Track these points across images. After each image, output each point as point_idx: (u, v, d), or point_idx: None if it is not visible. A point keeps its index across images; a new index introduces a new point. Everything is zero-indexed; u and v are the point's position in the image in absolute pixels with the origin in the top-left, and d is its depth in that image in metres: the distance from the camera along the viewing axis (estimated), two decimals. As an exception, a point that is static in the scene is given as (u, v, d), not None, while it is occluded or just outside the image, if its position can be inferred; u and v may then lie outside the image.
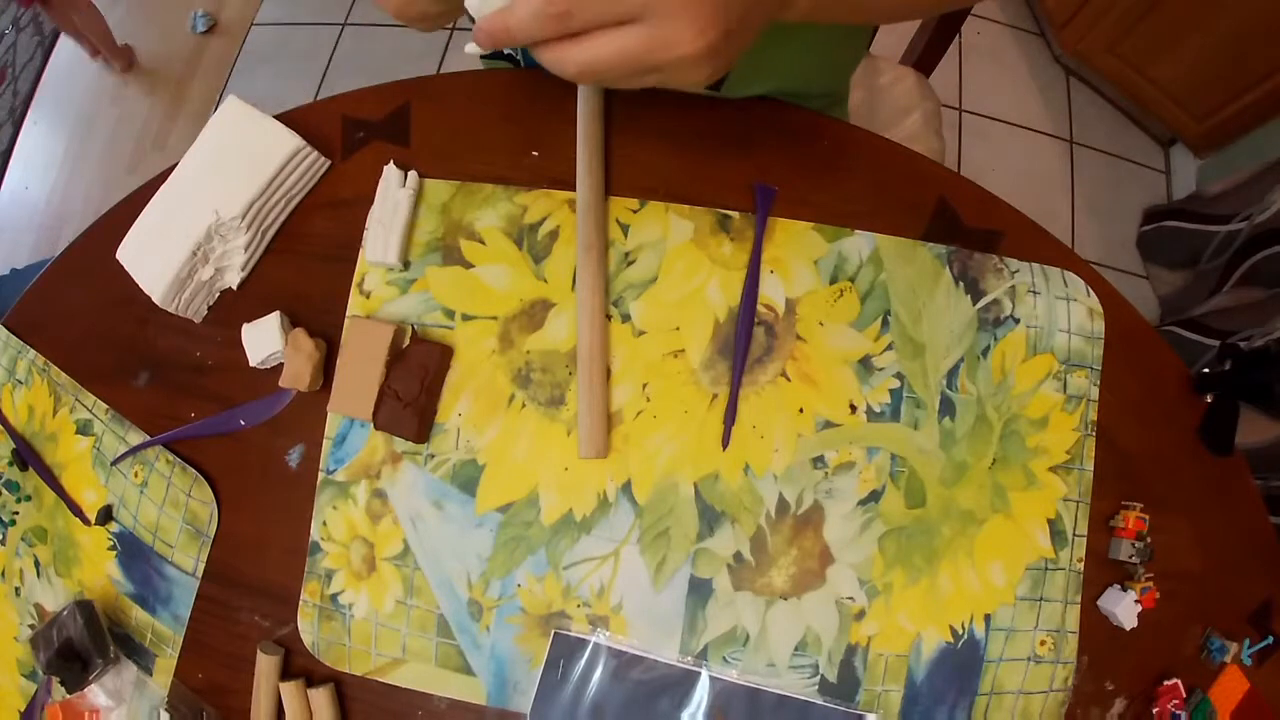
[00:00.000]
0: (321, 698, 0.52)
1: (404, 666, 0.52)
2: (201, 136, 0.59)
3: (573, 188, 0.56)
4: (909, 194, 0.56)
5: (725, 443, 0.52)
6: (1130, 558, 0.50)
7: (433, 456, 0.54)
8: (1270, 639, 0.52)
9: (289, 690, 0.52)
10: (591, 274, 0.53)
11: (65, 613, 0.54)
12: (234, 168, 0.57)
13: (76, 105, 1.83)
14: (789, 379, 0.53)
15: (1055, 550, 0.51)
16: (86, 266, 0.64)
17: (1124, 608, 0.50)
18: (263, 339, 0.56)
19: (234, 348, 0.57)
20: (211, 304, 0.60)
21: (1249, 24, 1.17)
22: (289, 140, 0.57)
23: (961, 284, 0.54)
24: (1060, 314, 0.54)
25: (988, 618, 0.51)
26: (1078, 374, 0.53)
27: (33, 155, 1.82)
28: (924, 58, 0.91)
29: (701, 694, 0.50)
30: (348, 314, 0.57)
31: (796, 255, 0.55)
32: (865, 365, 0.53)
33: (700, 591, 0.51)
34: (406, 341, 0.54)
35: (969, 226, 0.56)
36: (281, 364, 0.55)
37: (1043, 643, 0.51)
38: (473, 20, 0.33)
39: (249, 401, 0.57)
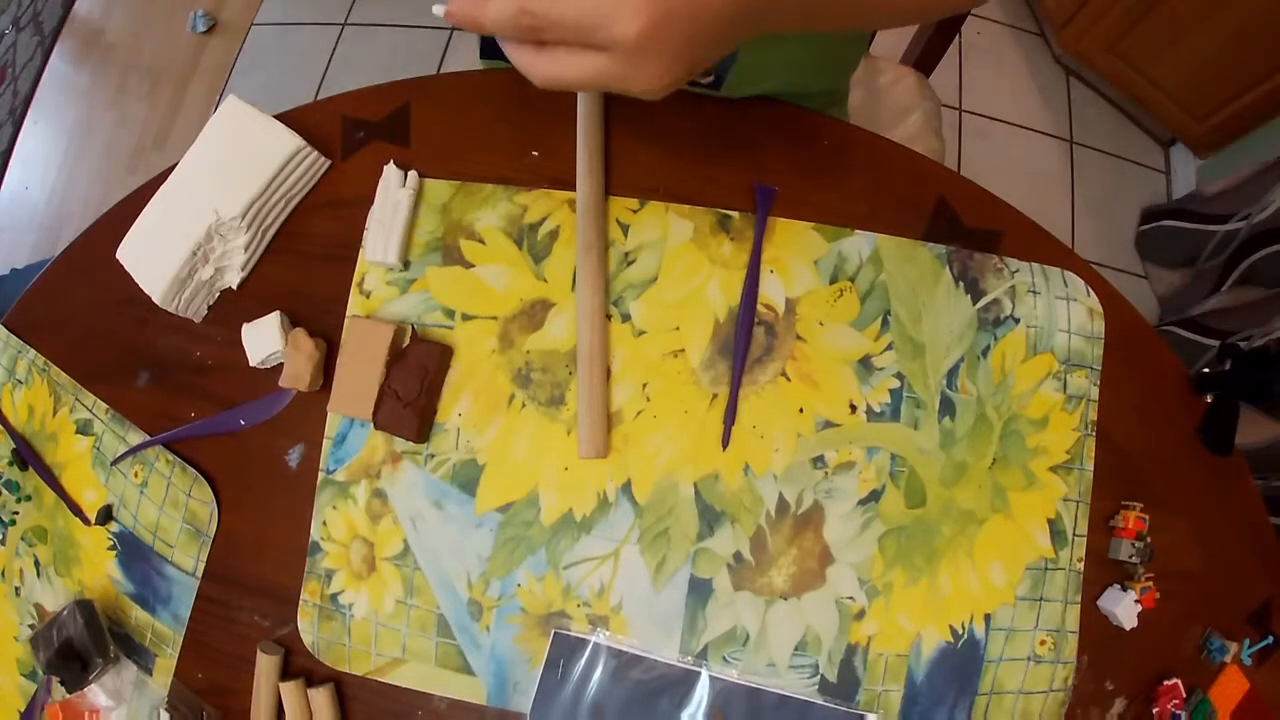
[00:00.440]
0: (321, 698, 0.52)
1: (404, 666, 0.52)
2: (201, 136, 0.59)
3: (573, 188, 0.56)
4: (909, 194, 0.56)
5: (725, 443, 0.52)
6: (1130, 558, 0.50)
7: (433, 456, 0.54)
8: (1270, 639, 0.52)
9: (289, 690, 0.52)
10: (591, 274, 0.53)
11: (65, 613, 0.54)
12: (234, 168, 0.57)
13: (76, 105, 1.83)
14: (789, 379, 0.53)
15: (1055, 550, 0.51)
16: (86, 266, 0.64)
17: (1124, 608, 0.50)
18: (263, 339, 0.56)
19: (234, 348, 0.57)
20: (211, 304, 0.60)
21: (1249, 24, 1.17)
22: (289, 140, 0.57)
23: (961, 284, 0.54)
24: (1060, 314, 0.54)
25: (988, 618, 0.51)
26: (1078, 374, 0.53)
27: (33, 155, 1.82)
28: (924, 58, 0.91)
29: (701, 694, 0.50)
30: (348, 314, 0.57)
31: (796, 255, 0.55)
32: (865, 365, 0.53)
33: (700, 591, 0.51)
34: (406, 341, 0.54)
35: (969, 226, 0.56)
36: (281, 364, 0.55)
37: (1043, 643, 0.51)
38: None
39: (249, 401, 0.57)
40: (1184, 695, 0.50)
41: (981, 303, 0.54)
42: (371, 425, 0.54)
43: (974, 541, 0.51)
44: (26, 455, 0.61)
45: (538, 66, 0.32)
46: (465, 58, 1.66)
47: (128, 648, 0.57)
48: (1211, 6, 1.19)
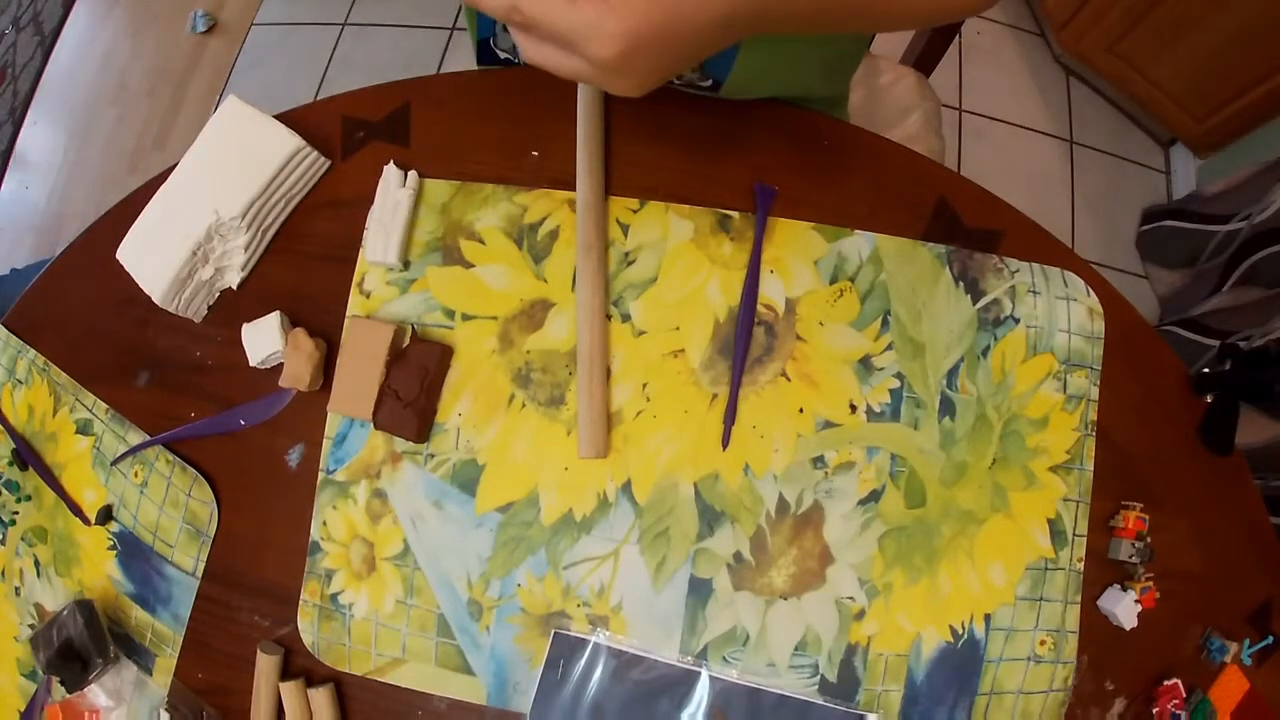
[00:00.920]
0: (321, 698, 0.52)
1: (404, 666, 0.52)
2: (201, 136, 0.59)
3: (573, 188, 0.56)
4: (909, 194, 0.56)
5: (725, 443, 0.52)
6: (1130, 558, 0.50)
7: (433, 456, 0.54)
8: (1270, 639, 0.52)
9: (289, 690, 0.52)
10: (591, 274, 0.53)
11: (65, 613, 0.54)
12: (234, 168, 0.57)
13: (76, 105, 1.83)
14: (789, 379, 0.53)
15: (1055, 550, 0.51)
16: (86, 266, 0.64)
17: (1124, 608, 0.50)
18: (263, 339, 0.56)
19: (234, 348, 0.57)
20: (211, 304, 0.60)
21: (1249, 24, 1.17)
22: (289, 140, 0.57)
23: (961, 284, 0.54)
24: (1060, 314, 0.54)
25: (988, 618, 0.51)
26: (1078, 374, 0.53)
27: (33, 155, 1.82)
28: (924, 58, 0.91)
29: (701, 694, 0.50)
30: (348, 314, 0.57)
31: (796, 255, 0.55)
32: (865, 365, 0.53)
33: (700, 591, 0.51)
34: (406, 341, 0.54)
35: (969, 226, 0.56)
36: (281, 364, 0.55)
37: (1043, 643, 0.51)
38: None
39: (249, 401, 0.57)
40: (1184, 695, 0.50)
41: (981, 303, 0.54)
42: (371, 425, 0.54)
43: (974, 541, 0.51)
44: (26, 455, 0.61)
45: (527, 50, 0.34)
46: (465, 57, 1.65)
47: (128, 648, 0.57)
48: (1211, 7, 1.19)
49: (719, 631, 0.51)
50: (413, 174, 0.58)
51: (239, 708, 0.54)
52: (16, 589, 0.61)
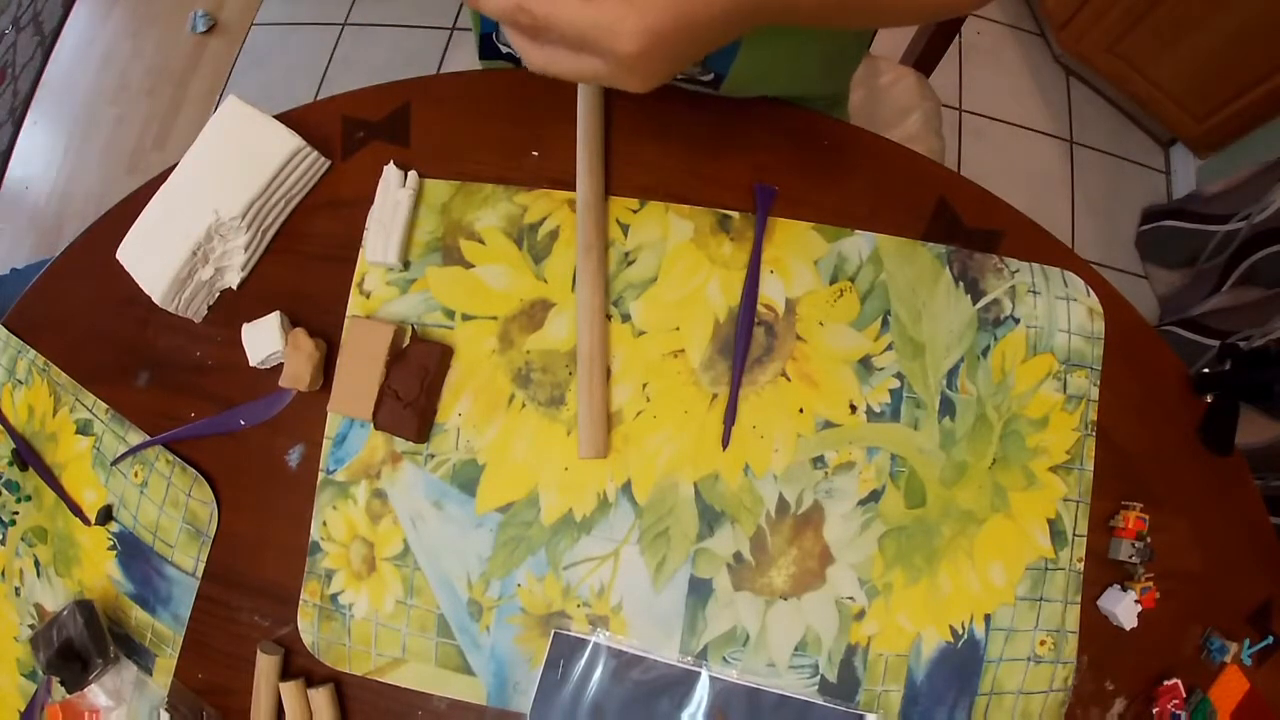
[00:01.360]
0: (321, 698, 0.52)
1: (404, 666, 0.52)
2: (201, 136, 0.59)
3: (573, 188, 0.56)
4: (909, 194, 0.56)
5: (725, 443, 0.52)
6: (1130, 558, 0.50)
7: (433, 456, 0.54)
8: (1270, 639, 0.52)
9: (289, 690, 0.52)
10: (591, 274, 0.53)
11: (65, 613, 0.54)
12: (234, 168, 0.57)
13: (76, 105, 1.83)
14: (789, 379, 0.53)
15: (1055, 550, 0.51)
16: (86, 266, 0.64)
17: (1124, 608, 0.50)
18: (263, 339, 0.56)
19: (234, 348, 0.57)
20: (211, 304, 0.60)
21: (1249, 24, 1.17)
22: (289, 140, 0.57)
23: (961, 284, 0.54)
24: (1060, 314, 0.54)
25: (988, 618, 0.51)
26: (1078, 374, 0.53)
27: (33, 155, 1.82)
28: (924, 58, 0.91)
29: (701, 694, 0.50)
30: (348, 314, 0.57)
31: (796, 255, 0.55)
32: (865, 365, 0.53)
33: (700, 591, 0.51)
34: (406, 341, 0.54)
35: (969, 226, 0.56)
36: (281, 364, 0.55)
37: (1043, 643, 0.51)
38: None
39: (249, 401, 0.57)
40: (1184, 695, 0.50)
41: (981, 303, 0.54)
42: (371, 425, 0.54)
43: (974, 541, 0.51)
44: (26, 455, 0.61)
45: (533, 56, 0.33)
46: (465, 57, 1.66)
47: (128, 648, 0.57)
48: (1211, 6, 1.19)
49: (719, 631, 0.51)
50: (413, 174, 0.58)
51: (239, 708, 0.54)
52: (16, 589, 0.61)
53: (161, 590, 0.57)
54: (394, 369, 0.53)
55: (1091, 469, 0.52)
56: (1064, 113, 1.57)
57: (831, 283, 0.54)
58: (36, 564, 0.61)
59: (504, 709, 0.51)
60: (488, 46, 0.64)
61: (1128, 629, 0.50)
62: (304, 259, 0.59)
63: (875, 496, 0.52)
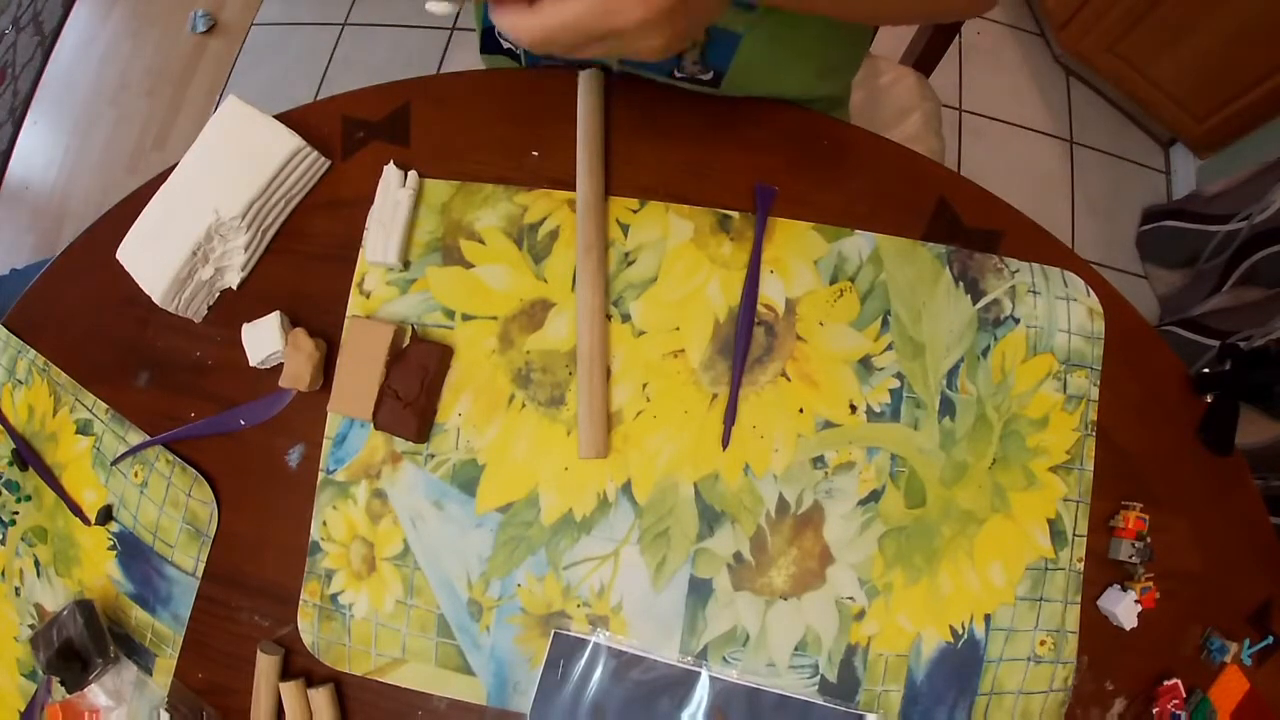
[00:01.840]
0: (321, 698, 0.52)
1: (404, 666, 0.52)
2: (201, 136, 0.59)
3: (573, 188, 0.56)
4: (909, 194, 0.56)
5: (725, 443, 0.52)
6: (1130, 558, 0.50)
7: (433, 456, 0.54)
8: (1270, 639, 0.52)
9: (289, 690, 0.52)
10: (591, 274, 0.53)
11: (65, 613, 0.54)
12: (234, 168, 0.57)
13: (76, 105, 1.83)
14: (789, 379, 0.53)
15: (1055, 550, 0.51)
16: (86, 266, 0.64)
17: (1124, 608, 0.50)
18: (263, 339, 0.56)
19: (234, 348, 0.57)
20: (211, 304, 0.60)
21: (1249, 24, 1.17)
22: (289, 140, 0.57)
23: (961, 284, 0.54)
24: (1060, 314, 0.54)
25: (988, 618, 0.51)
26: (1078, 374, 0.53)
27: (33, 155, 1.82)
28: (924, 58, 0.91)
29: (701, 694, 0.50)
30: (348, 314, 0.57)
31: (796, 255, 0.55)
32: (865, 365, 0.53)
33: (700, 591, 0.51)
34: (406, 341, 0.54)
35: (969, 226, 0.56)
36: (281, 364, 0.55)
37: (1043, 643, 0.51)
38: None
39: (249, 401, 0.57)
40: (1184, 695, 0.50)
41: (981, 303, 0.54)
42: (371, 425, 0.54)
43: (974, 542, 0.51)
44: (26, 455, 0.61)
45: (524, 23, 0.31)
46: (465, 57, 1.66)
47: (128, 648, 0.57)
48: (1211, 6, 1.19)
49: (719, 631, 0.51)
50: (413, 174, 0.58)
51: (239, 708, 0.54)
52: (16, 589, 0.61)
53: (161, 590, 0.57)
54: (394, 369, 0.53)
55: (1091, 469, 0.52)
56: (1064, 113, 1.57)
57: (831, 283, 0.54)
58: (36, 564, 0.61)
59: (504, 709, 0.51)
60: (489, 41, 0.64)
61: (1128, 629, 0.50)
62: (304, 259, 0.59)
63: (875, 496, 0.52)
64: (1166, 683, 0.51)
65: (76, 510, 0.59)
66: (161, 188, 0.59)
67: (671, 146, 0.57)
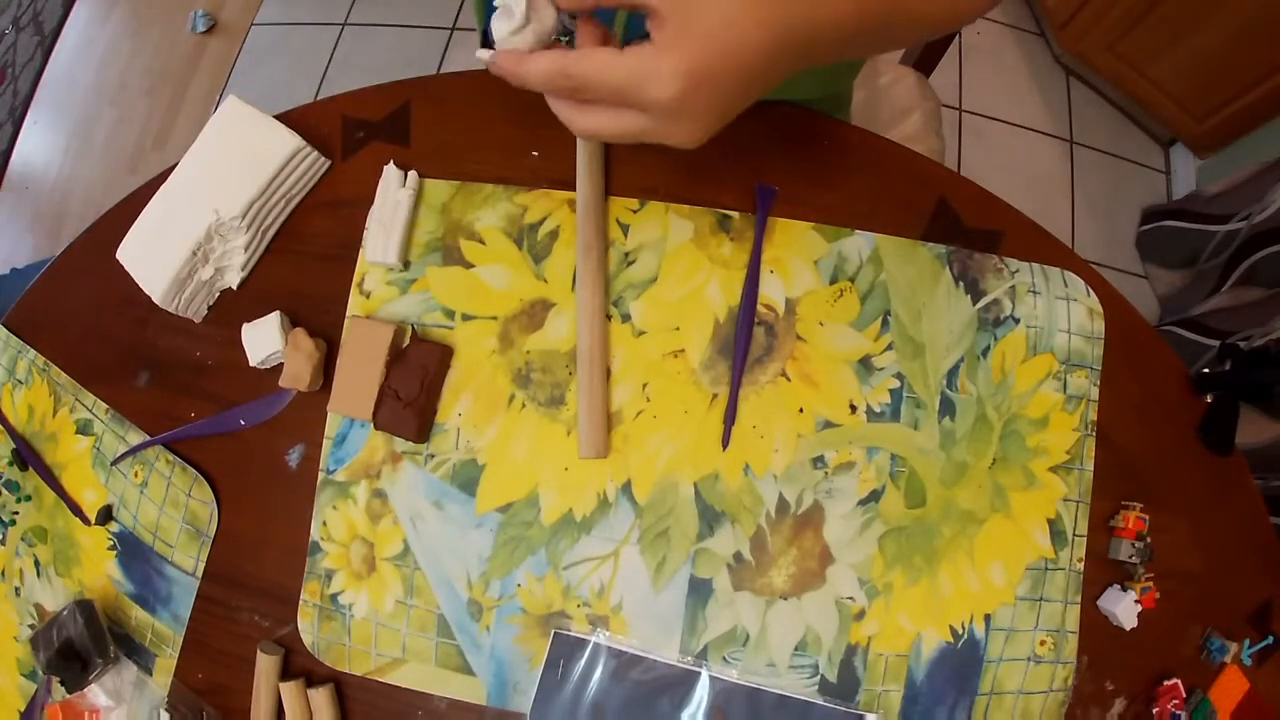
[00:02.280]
0: (321, 698, 0.52)
1: (404, 666, 0.52)
2: (201, 136, 0.59)
3: (573, 188, 0.56)
4: (909, 194, 0.56)
5: (725, 443, 0.52)
6: (1130, 558, 0.50)
7: (433, 456, 0.54)
8: (1270, 639, 0.52)
9: (289, 690, 0.52)
10: (591, 274, 0.53)
11: (65, 613, 0.54)
12: (234, 168, 0.57)
13: (76, 105, 1.83)
14: (789, 379, 0.53)
15: (1055, 550, 0.51)
16: (86, 266, 0.64)
17: (1124, 608, 0.50)
18: (263, 339, 0.56)
19: (234, 348, 0.57)
20: (211, 304, 0.60)
21: (1249, 24, 1.17)
22: (289, 140, 0.57)
23: (961, 284, 0.54)
24: (1060, 314, 0.54)
25: (988, 618, 0.51)
26: (1078, 374, 0.53)
27: (33, 155, 1.82)
28: (924, 58, 0.91)
29: (701, 694, 0.50)
30: (348, 314, 0.57)
31: (796, 255, 0.55)
32: (865, 365, 0.53)
33: (700, 591, 0.51)
34: (406, 341, 0.54)
35: (969, 226, 0.56)
36: (281, 364, 0.55)
37: (1043, 643, 0.51)
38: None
39: (249, 401, 0.57)
40: (1184, 695, 0.50)
41: (981, 303, 0.54)
42: (371, 425, 0.54)
43: (974, 542, 0.51)
44: (26, 455, 0.61)
45: (577, 121, 0.34)
46: (465, 58, 1.66)
47: (128, 648, 0.57)
48: (1211, 6, 1.19)
49: (719, 631, 0.51)
50: (413, 174, 0.57)
51: (239, 708, 0.54)
52: (16, 589, 0.61)
53: (161, 590, 0.57)
54: (394, 369, 0.53)
55: (1091, 469, 0.52)
56: (1064, 113, 1.57)
57: (831, 283, 0.54)
58: (36, 564, 0.61)
59: (504, 709, 0.51)
60: (489, 43, 0.64)
61: (1128, 629, 0.50)
62: (304, 259, 0.59)
63: (875, 496, 0.52)
64: (1166, 683, 0.51)
65: (76, 510, 0.59)
66: (161, 188, 0.58)
67: (671, 146, 0.57)
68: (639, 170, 0.57)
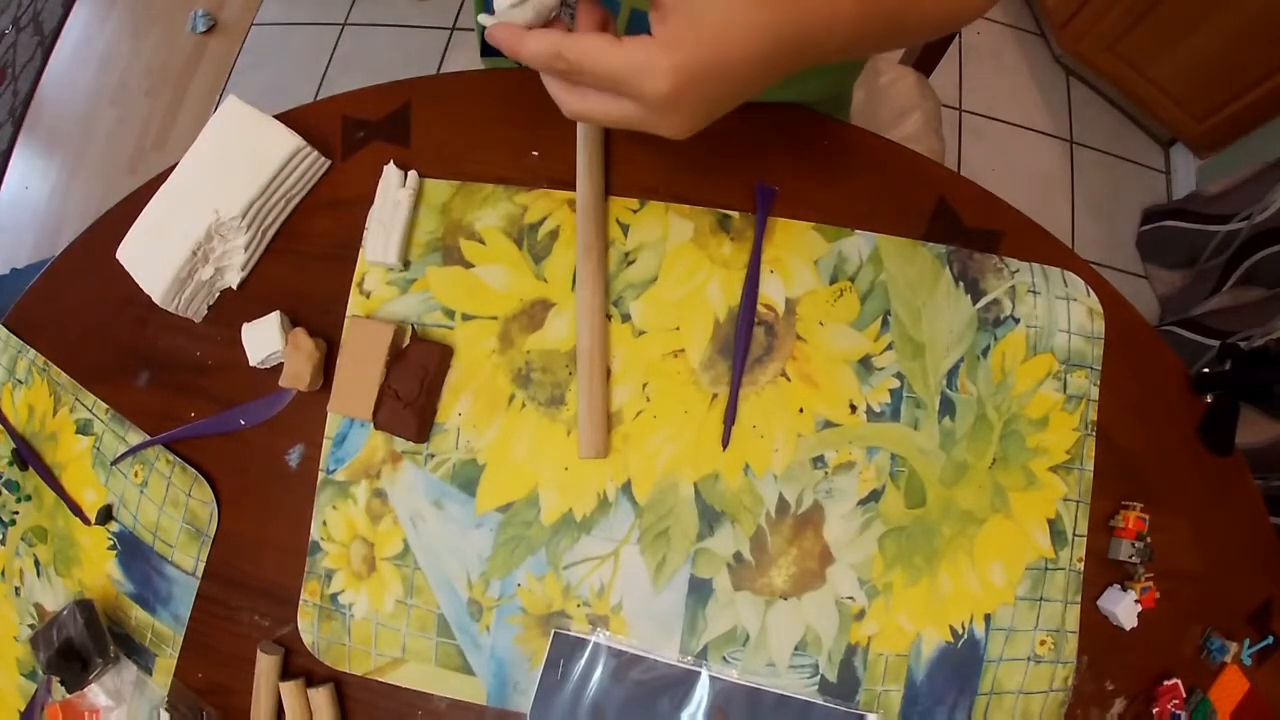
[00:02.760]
0: (321, 698, 0.52)
1: (404, 666, 0.52)
2: (201, 136, 0.59)
3: (573, 187, 0.56)
4: (909, 194, 0.56)
5: (725, 443, 0.52)
6: (1130, 558, 0.50)
7: (433, 456, 0.54)
8: (1270, 639, 0.52)
9: (289, 690, 0.52)
10: (591, 274, 0.53)
11: (65, 613, 0.54)
12: (234, 168, 0.57)
13: (76, 105, 1.83)
14: (789, 379, 0.53)
15: (1055, 550, 0.51)
16: (86, 266, 0.64)
17: (1124, 608, 0.50)
18: (263, 339, 0.56)
19: (234, 348, 0.57)
20: (211, 304, 0.60)
21: (1249, 24, 1.17)
22: (289, 140, 0.57)
23: (961, 284, 0.54)
24: (1060, 314, 0.54)
25: (988, 618, 0.51)
26: (1078, 374, 0.53)
27: (33, 155, 1.82)
28: (924, 58, 0.91)
29: (701, 694, 0.50)
30: (348, 314, 0.57)
31: (796, 255, 0.55)
32: (865, 365, 0.53)
33: (700, 591, 0.51)
34: (406, 341, 0.54)
35: (969, 226, 0.56)
36: (281, 364, 0.55)
37: (1043, 643, 0.51)
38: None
39: (249, 401, 0.57)
40: (1184, 695, 0.50)
41: (981, 303, 0.54)
42: (371, 425, 0.54)
43: (974, 541, 0.51)
44: (26, 455, 0.61)
45: (568, 102, 0.34)
46: (465, 57, 1.66)
47: (128, 648, 0.57)
48: (1211, 6, 1.19)
49: (719, 631, 0.51)
50: (413, 174, 0.58)
51: (239, 708, 0.54)
52: (16, 589, 0.61)
53: (161, 590, 0.57)
54: (394, 369, 0.53)
55: (1091, 469, 0.52)
56: (1064, 113, 1.57)
57: (831, 283, 0.54)
58: (36, 564, 0.61)
59: (504, 709, 0.51)
60: (489, 44, 0.64)
61: (1128, 629, 0.50)
62: (304, 259, 0.59)
63: (875, 496, 0.52)
64: (1166, 683, 0.51)
65: (76, 510, 0.59)
66: (161, 188, 0.58)
67: (671, 146, 0.57)
68: (639, 170, 0.57)
